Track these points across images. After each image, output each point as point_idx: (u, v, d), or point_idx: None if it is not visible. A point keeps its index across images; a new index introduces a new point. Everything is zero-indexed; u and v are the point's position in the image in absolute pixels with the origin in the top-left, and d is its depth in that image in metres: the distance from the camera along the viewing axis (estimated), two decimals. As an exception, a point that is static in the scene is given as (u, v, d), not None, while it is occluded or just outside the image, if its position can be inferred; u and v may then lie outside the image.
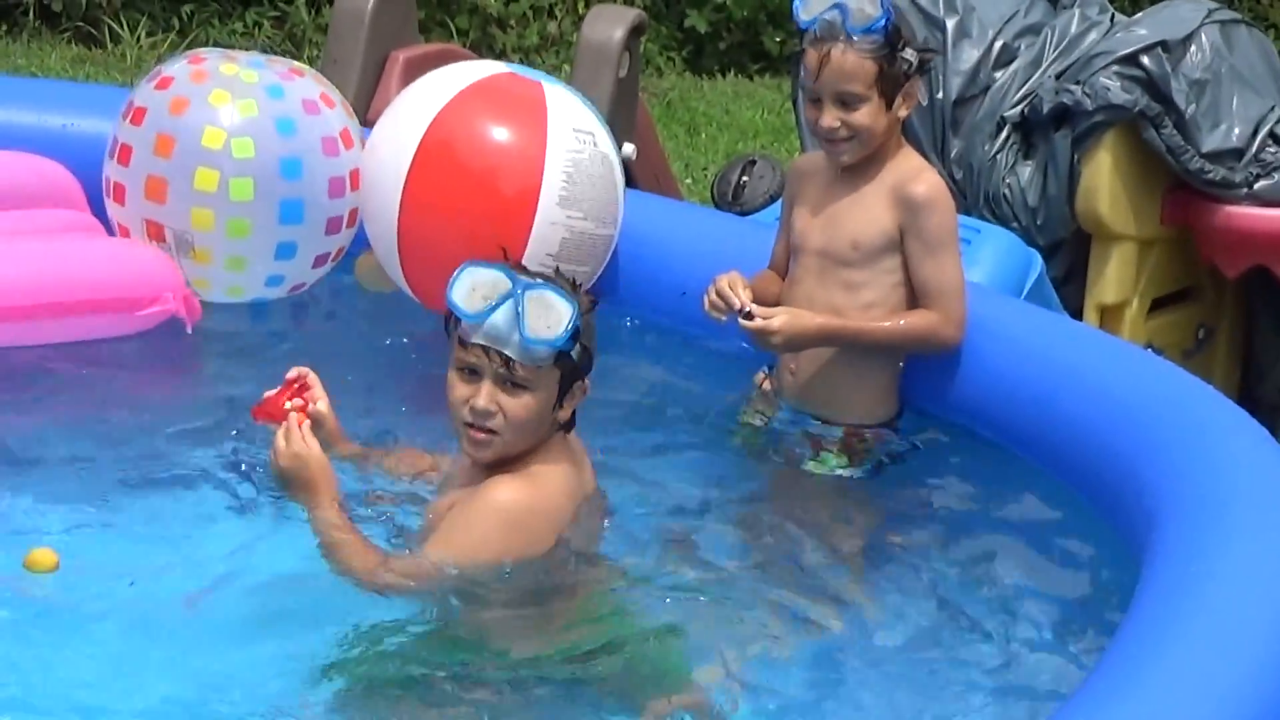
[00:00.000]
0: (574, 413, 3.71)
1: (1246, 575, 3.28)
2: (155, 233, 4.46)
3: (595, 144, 4.56)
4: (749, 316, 4.04)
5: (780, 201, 4.78)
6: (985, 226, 4.76)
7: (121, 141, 4.46)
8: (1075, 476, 4.06)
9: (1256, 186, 4.98)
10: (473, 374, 3.52)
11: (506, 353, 3.47)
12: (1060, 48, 5.18)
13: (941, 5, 5.27)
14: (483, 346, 3.48)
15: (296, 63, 4.77)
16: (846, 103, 4.04)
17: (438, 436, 3.95)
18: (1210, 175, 4.97)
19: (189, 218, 4.40)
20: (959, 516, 4.30)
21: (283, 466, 3.61)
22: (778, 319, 4.10)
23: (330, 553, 3.61)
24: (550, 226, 4.49)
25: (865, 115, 4.03)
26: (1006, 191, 5.06)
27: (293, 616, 3.65)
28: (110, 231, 4.70)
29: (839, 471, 4.27)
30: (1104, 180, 4.99)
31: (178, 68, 4.55)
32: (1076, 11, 5.31)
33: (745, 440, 4.44)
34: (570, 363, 3.55)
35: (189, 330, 4.52)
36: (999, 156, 5.10)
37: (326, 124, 4.50)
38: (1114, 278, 5.03)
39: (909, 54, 4.05)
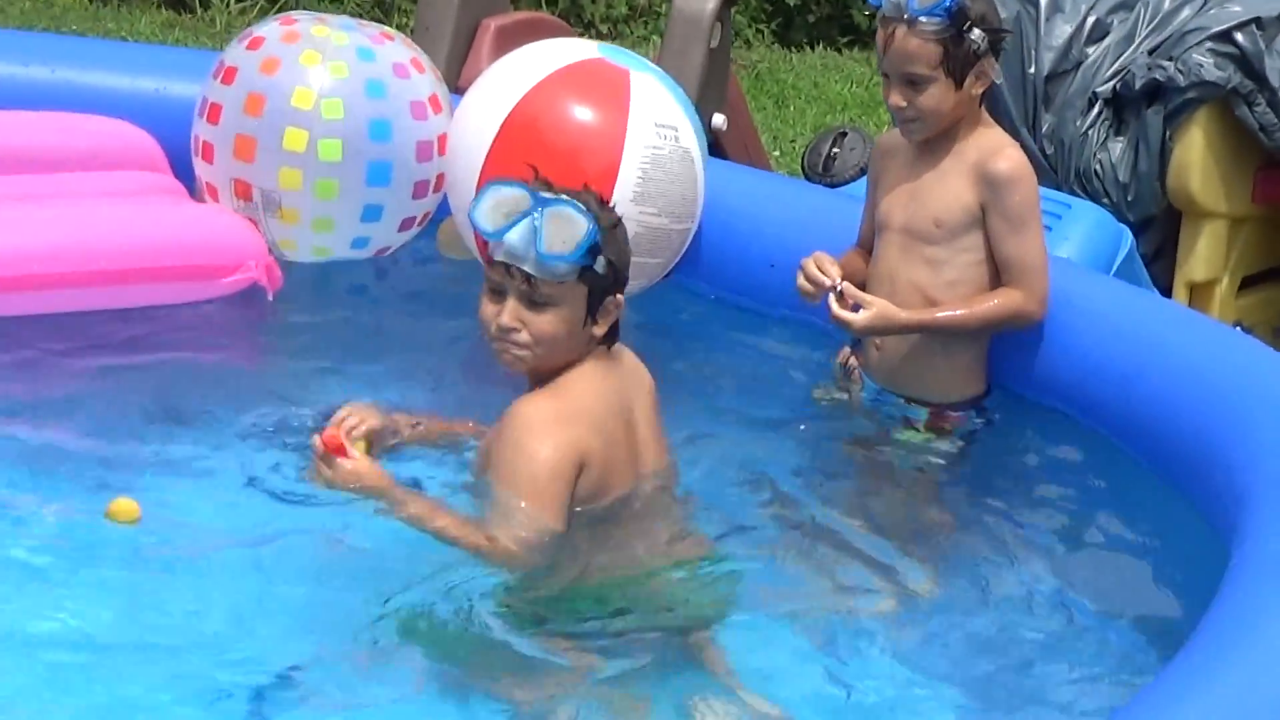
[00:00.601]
0: (615, 326, 3.68)
1: None
2: (243, 191, 4.47)
3: (677, 139, 4.54)
4: (840, 295, 4.01)
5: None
6: (1076, 202, 4.74)
7: (211, 100, 4.48)
8: (1162, 456, 4.02)
9: None
10: (498, 293, 3.53)
11: (526, 269, 3.46)
12: (1153, 24, 5.16)
13: None
14: (504, 264, 3.49)
15: (387, 27, 4.75)
16: (913, 83, 4.03)
17: (499, 401, 3.92)
18: None
19: (277, 177, 4.42)
20: (1042, 496, 4.26)
21: (345, 487, 3.55)
22: (866, 315, 4.08)
23: (439, 541, 3.61)
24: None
25: (931, 97, 4.02)
26: (1098, 167, 5.05)
27: (362, 572, 3.65)
28: (193, 194, 4.71)
29: (930, 443, 4.24)
30: (1196, 157, 4.97)
31: (269, 28, 4.56)
32: None
33: (827, 415, 4.40)
34: (596, 278, 3.53)
35: (270, 297, 4.54)
36: (1090, 132, 5.08)
37: (416, 88, 4.50)
38: (1204, 255, 5.01)
39: (976, 35, 3.99)
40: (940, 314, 4.13)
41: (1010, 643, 3.77)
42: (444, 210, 4.77)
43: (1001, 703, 3.57)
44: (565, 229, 3.46)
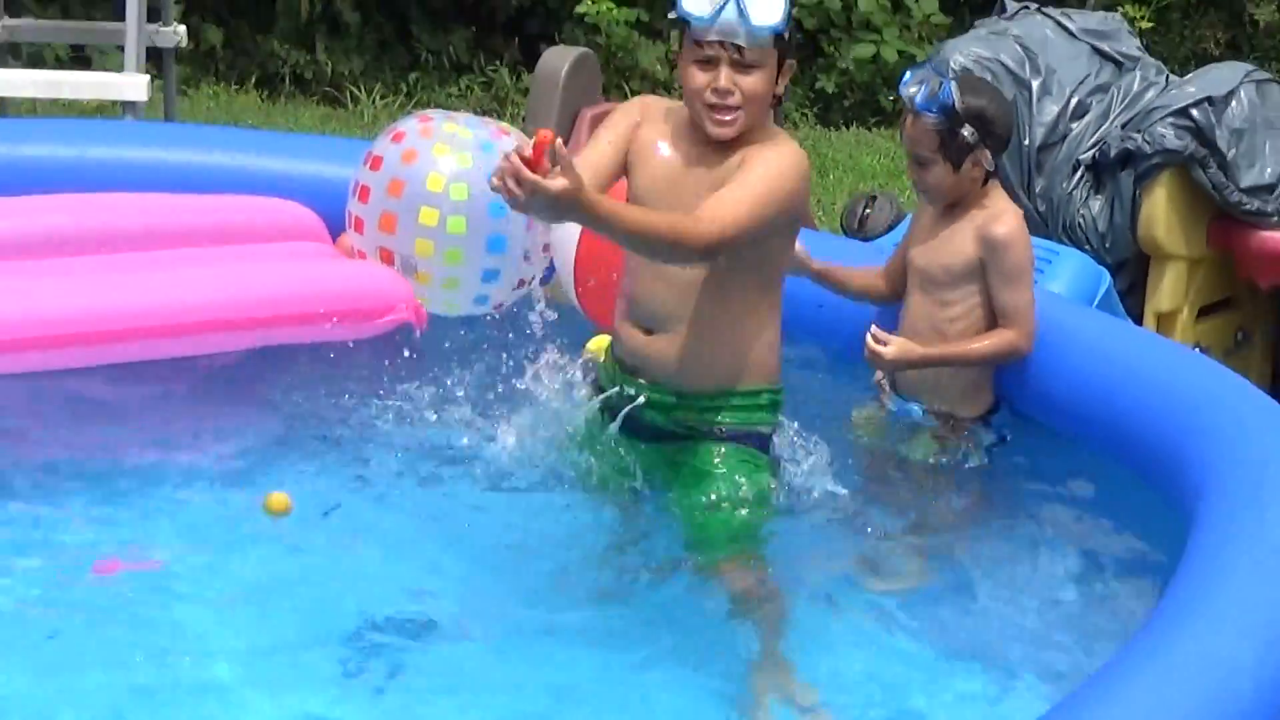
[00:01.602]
0: (785, 90, 3.94)
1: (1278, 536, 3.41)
2: (387, 258, 4.71)
3: None
4: (874, 336, 4.30)
5: (897, 228, 5.12)
6: (1063, 249, 4.98)
7: (362, 183, 4.70)
8: (1135, 457, 4.22)
9: None
10: (708, 64, 3.75)
11: (738, 41, 3.70)
12: (1125, 103, 5.43)
13: (1028, 69, 5.52)
14: (718, 40, 3.72)
15: (504, 124, 4.95)
16: (920, 162, 4.32)
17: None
18: (1247, 206, 5.21)
19: (414, 246, 4.66)
20: (1038, 493, 4.53)
21: (532, 204, 3.45)
22: (890, 350, 4.35)
23: (641, 237, 3.68)
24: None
25: (933, 175, 4.31)
26: (1081, 220, 5.32)
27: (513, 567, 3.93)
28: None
29: (930, 459, 4.50)
30: (1160, 211, 5.23)
31: (409, 124, 4.79)
32: (1138, 73, 5.53)
33: (865, 430, 4.67)
34: (784, 43, 3.77)
35: (418, 334, 4.81)
36: (1074, 192, 5.36)
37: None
38: (1168, 290, 5.25)
39: (968, 130, 4.24)
40: (949, 350, 4.40)
41: (1012, 614, 3.94)
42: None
43: (1005, 669, 3.70)
44: (768, 5, 3.74)
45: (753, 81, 3.74)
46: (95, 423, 4.66)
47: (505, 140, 4.74)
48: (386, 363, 4.79)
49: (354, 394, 4.76)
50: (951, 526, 4.44)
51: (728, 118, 3.77)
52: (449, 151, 4.67)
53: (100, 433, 4.62)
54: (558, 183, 3.35)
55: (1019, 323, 4.37)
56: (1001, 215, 4.43)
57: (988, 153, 4.36)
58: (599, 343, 4.61)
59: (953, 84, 4.18)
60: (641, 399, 4.05)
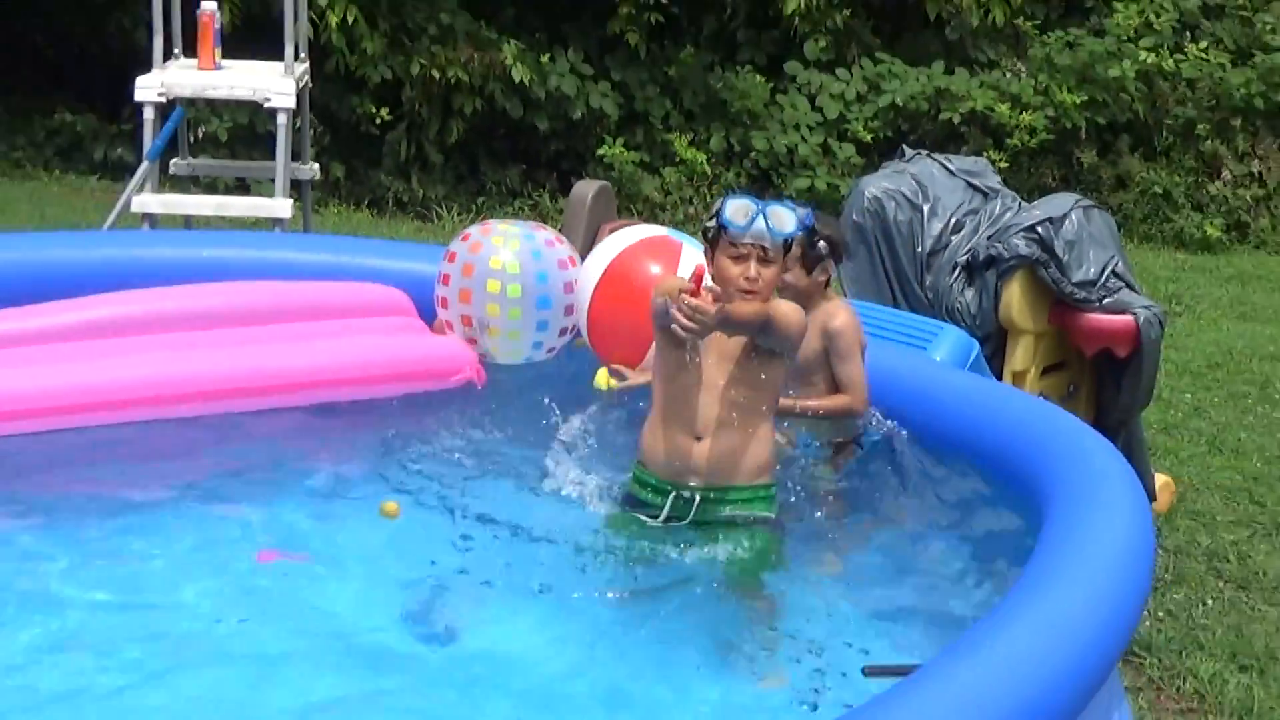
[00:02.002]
0: (829, 278, 4.23)
1: (1106, 525, 3.49)
2: (466, 321, 4.74)
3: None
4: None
5: None
6: (946, 326, 4.99)
7: (444, 272, 4.77)
8: (1001, 475, 4.22)
9: (1104, 303, 5.26)
10: (741, 259, 3.75)
11: (764, 244, 3.75)
12: (989, 222, 5.45)
13: (920, 197, 5.53)
14: (749, 242, 3.75)
15: (543, 224, 5.02)
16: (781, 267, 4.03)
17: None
18: (1077, 296, 5.23)
19: (485, 310, 4.70)
20: (928, 501, 4.46)
21: (708, 327, 3.66)
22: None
23: (752, 323, 3.75)
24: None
25: (791, 276, 4.21)
26: (958, 306, 5.32)
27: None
28: (432, 328, 4.98)
29: (831, 477, 4.45)
30: (1015, 299, 5.25)
31: (474, 229, 4.86)
32: (999, 200, 5.55)
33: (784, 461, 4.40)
34: (791, 244, 3.81)
35: (479, 387, 4.82)
36: (953, 285, 5.36)
37: (559, 254, 4.76)
38: (1020, 356, 5.28)
39: (820, 246, 4.25)
40: (804, 404, 4.34)
41: (905, 584, 4.04)
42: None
43: (906, 622, 3.80)
44: (785, 218, 3.79)
45: (770, 272, 3.79)
46: (251, 451, 4.68)
47: (544, 233, 4.81)
48: (459, 413, 4.80)
49: (433, 430, 4.77)
50: (854, 526, 4.42)
51: (749, 297, 3.79)
52: (502, 241, 4.73)
53: (253, 458, 4.65)
54: (717, 306, 3.58)
55: (853, 391, 4.35)
56: (836, 312, 4.39)
57: (832, 262, 4.39)
58: (602, 377, 4.62)
59: (813, 212, 4.08)
60: (696, 498, 3.96)
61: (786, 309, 3.87)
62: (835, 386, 4.39)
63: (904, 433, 4.54)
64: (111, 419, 4.48)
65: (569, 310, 4.82)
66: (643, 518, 3.96)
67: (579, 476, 4.28)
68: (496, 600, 3.85)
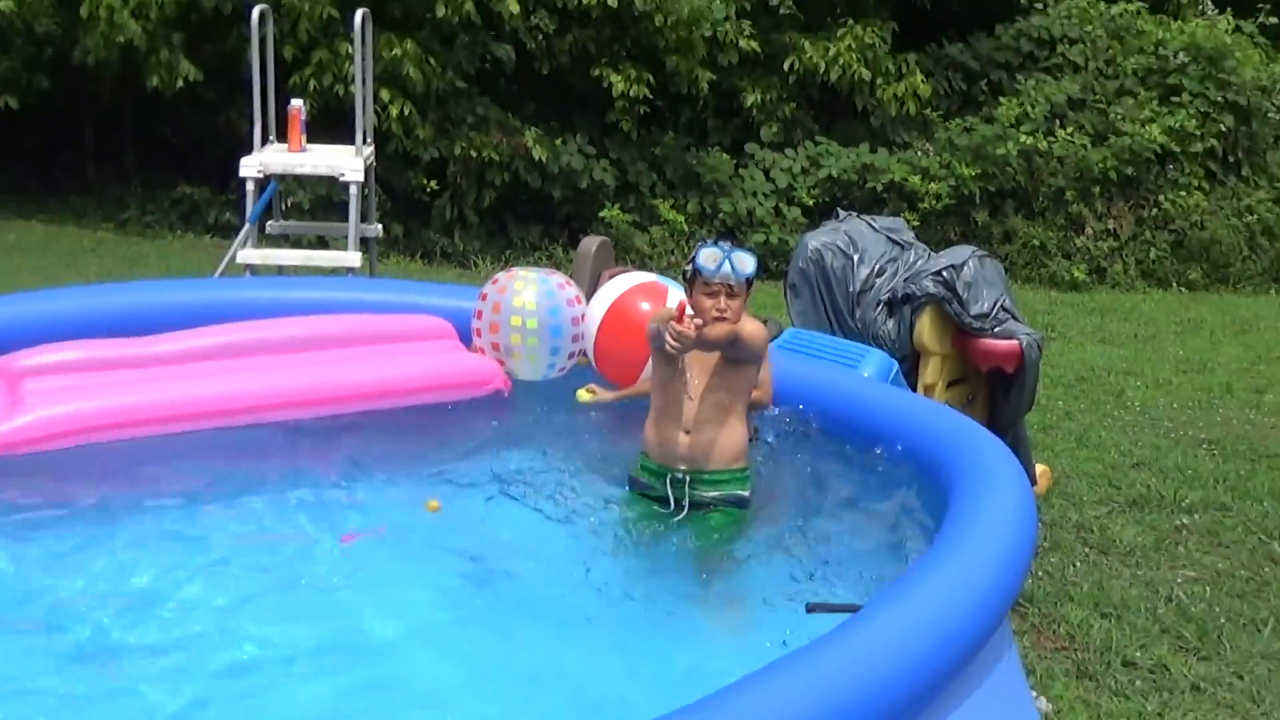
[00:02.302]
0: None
1: (998, 504, 3.48)
2: (495, 346, 4.71)
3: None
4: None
5: (779, 338, 4.92)
6: (872, 350, 4.94)
7: (477, 308, 4.75)
8: (917, 466, 4.15)
9: (995, 331, 5.21)
10: (713, 295, 3.73)
11: (730, 282, 3.73)
12: (907, 268, 5.42)
13: (852, 248, 5.48)
14: (719, 282, 3.73)
15: (555, 270, 4.98)
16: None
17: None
18: (974, 326, 5.18)
19: (510, 339, 4.68)
20: (846, 483, 4.34)
21: (689, 345, 3.67)
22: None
23: (726, 340, 3.72)
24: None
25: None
26: (881, 333, 5.27)
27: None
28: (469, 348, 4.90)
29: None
30: (925, 328, 5.20)
31: (499, 275, 4.83)
32: (913, 251, 5.48)
33: None
34: (752, 282, 3.77)
35: (506, 395, 4.75)
36: (878, 317, 5.31)
37: (568, 294, 4.72)
38: (930, 373, 5.22)
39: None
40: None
41: (844, 548, 3.87)
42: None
43: (843, 575, 3.69)
44: (746, 261, 3.76)
45: (737, 303, 3.78)
46: (322, 449, 4.61)
47: (557, 277, 4.77)
48: (495, 423, 4.75)
49: (465, 431, 4.73)
50: (800, 503, 4.30)
51: (721, 323, 3.77)
52: (523, 286, 4.70)
53: (326, 454, 4.57)
54: (696, 330, 3.63)
55: (763, 387, 4.23)
56: (750, 323, 4.18)
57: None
58: (583, 393, 4.53)
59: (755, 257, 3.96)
60: (686, 479, 3.91)
61: (751, 327, 3.87)
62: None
63: (815, 425, 4.50)
64: (221, 424, 4.46)
65: (576, 339, 4.78)
66: (649, 500, 3.95)
67: (581, 468, 4.28)
68: (533, 540, 3.85)
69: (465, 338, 5.00)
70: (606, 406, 4.49)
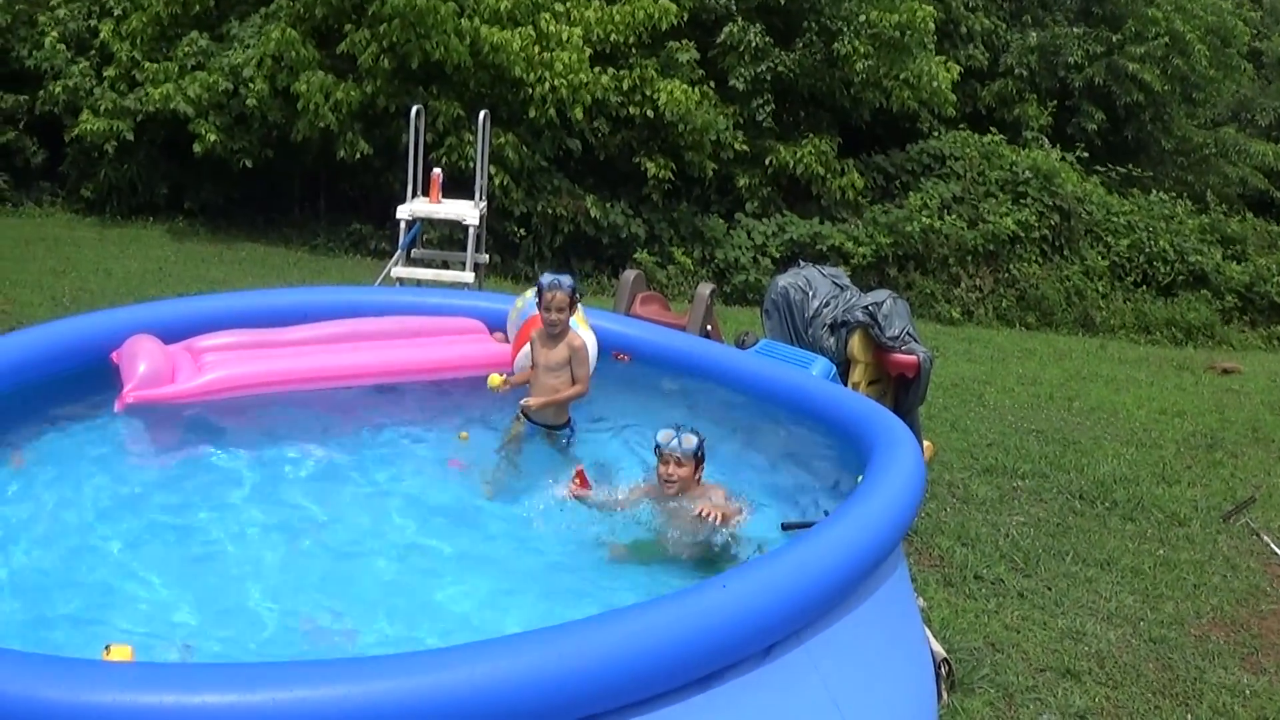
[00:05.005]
0: (702, 465, 3.37)
1: (900, 464, 3.35)
2: (522, 336, 4.25)
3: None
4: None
5: (754, 346, 4.78)
6: (819, 358, 4.80)
7: (510, 311, 4.48)
8: (844, 438, 3.97)
9: (902, 349, 5.11)
10: (665, 462, 3.36)
11: (677, 455, 3.35)
12: (844, 302, 5.32)
13: (808, 287, 5.36)
14: (669, 454, 3.36)
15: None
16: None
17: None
18: (889, 344, 5.10)
19: (509, 317, 4.36)
20: (776, 453, 4.03)
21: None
22: (533, 401, 3.88)
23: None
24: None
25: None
26: (826, 347, 5.16)
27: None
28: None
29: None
30: (856, 344, 5.12)
31: (531, 291, 4.36)
32: (849, 291, 5.38)
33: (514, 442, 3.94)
34: (700, 455, 3.40)
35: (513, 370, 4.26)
36: (824, 336, 5.22)
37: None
38: (857, 374, 5.13)
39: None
40: (561, 395, 3.91)
41: (798, 490, 3.68)
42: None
43: (797, 505, 3.53)
44: (689, 442, 3.36)
45: (684, 470, 3.36)
46: (392, 405, 4.27)
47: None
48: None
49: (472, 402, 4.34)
50: (760, 464, 3.94)
51: (673, 484, 3.37)
52: (523, 304, 4.38)
53: (396, 409, 4.24)
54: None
55: (582, 383, 3.91)
56: (575, 338, 3.95)
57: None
58: (494, 379, 4.19)
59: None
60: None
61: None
62: (573, 380, 3.97)
63: (781, 411, 4.20)
64: (333, 386, 4.23)
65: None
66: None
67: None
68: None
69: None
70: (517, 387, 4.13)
